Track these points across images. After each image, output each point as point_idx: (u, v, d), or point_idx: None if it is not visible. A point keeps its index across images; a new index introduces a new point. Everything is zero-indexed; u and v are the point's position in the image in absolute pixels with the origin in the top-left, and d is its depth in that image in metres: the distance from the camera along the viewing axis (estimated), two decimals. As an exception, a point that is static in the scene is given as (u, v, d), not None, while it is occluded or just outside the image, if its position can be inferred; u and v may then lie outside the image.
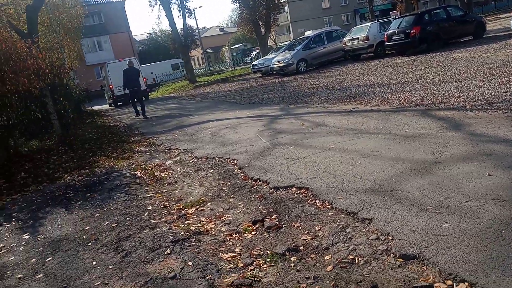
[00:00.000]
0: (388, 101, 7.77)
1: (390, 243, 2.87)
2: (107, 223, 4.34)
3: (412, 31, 15.12)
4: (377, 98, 8.26)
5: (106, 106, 24.72)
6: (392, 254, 2.74)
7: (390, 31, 16.34)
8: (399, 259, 2.67)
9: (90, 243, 3.88)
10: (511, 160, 3.79)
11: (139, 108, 14.22)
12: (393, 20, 18.23)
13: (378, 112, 7.12)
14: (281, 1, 32.96)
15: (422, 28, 15.12)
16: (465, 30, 16.05)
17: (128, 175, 6.31)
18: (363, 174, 4.21)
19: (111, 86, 20.91)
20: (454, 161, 4.05)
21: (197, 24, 71.94)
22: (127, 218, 4.37)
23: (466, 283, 2.29)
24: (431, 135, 5.05)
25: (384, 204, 3.44)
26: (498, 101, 6.03)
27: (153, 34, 56.69)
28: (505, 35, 14.96)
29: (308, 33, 23.77)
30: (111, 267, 3.32)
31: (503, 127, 4.77)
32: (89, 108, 19.77)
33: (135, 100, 14.32)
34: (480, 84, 7.41)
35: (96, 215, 4.66)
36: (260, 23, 29.51)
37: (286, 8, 50.13)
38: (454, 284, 2.32)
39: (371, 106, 7.68)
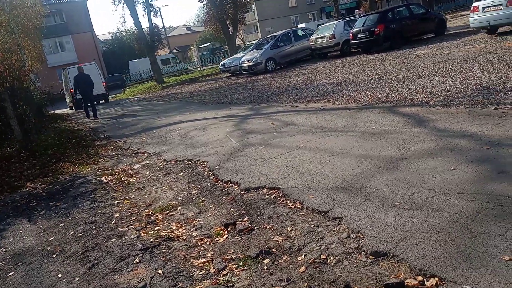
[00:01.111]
0: (355, 99, 7.89)
1: (361, 241, 2.88)
2: (72, 232, 4.17)
3: (376, 29, 15.43)
4: (344, 96, 8.37)
5: (69, 110, 23.96)
6: (363, 252, 2.76)
7: (355, 30, 16.61)
8: (370, 257, 2.69)
9: (54, 255, 3.70)
10: (474, 154, 3.91)
11: (90, 111, 15.30)
12: (358, 18, 18.54)
13: (345, 110, 7.21)
14: (247, 0, 32.92)
15: (386, 26, 15.47)
16: (427, 28, 16.55)
17: (93, 181, 6.10)
18: (333, 173, 4.24)
19: (71, 90, 20.63)
20: (420, 157, 4.15)
21: (163, 23, 70.77)
22: (94, 227, 4.21)
23: (436, 278, 2.32)
24: (397, 132, 5.15)
25: (354, 202, 3.47)
26: (460, 96, 6.23)
27: (118, 33, 55.21)
28: (465, 32, 15.53)
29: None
30: (77, 279, 3.17)
31: (465, 122, 4.92)
32: (52, 111, 19.04)
33: (88, 104, 15.38)
34: (442, 80, 7.65)
35: (60, 225, 4.47)
36: (228, 22, 29.37)
37: (253, 7, 50.16)
38: (425, 279, 2.35)
39: (339, 104, 7.78)
